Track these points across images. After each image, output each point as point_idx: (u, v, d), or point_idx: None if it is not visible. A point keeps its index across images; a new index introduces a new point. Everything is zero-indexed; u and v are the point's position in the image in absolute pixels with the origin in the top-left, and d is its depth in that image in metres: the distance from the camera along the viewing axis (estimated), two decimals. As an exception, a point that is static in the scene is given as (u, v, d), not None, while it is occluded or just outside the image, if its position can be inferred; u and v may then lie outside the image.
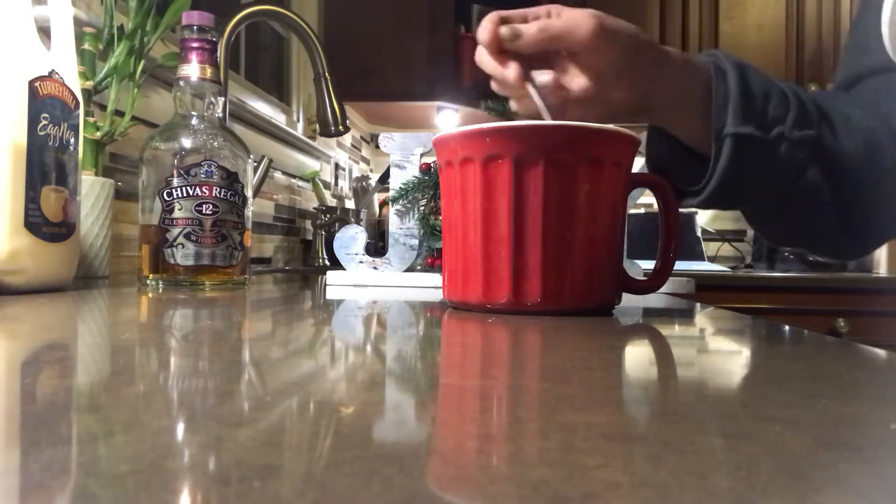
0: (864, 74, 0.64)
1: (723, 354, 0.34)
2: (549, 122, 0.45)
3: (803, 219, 0.58)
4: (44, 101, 0.56)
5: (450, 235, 0.48)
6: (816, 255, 0.66)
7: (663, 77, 0.52)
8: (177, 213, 0.68)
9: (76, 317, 0.44)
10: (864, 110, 0.58)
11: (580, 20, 0.49)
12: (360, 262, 0.79)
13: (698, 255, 2.23)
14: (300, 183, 1.95)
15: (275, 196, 1.74)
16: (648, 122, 0.57)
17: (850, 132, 0.55)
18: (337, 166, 2.27)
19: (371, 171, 2.79)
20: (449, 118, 2.42)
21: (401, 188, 0.78)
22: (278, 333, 0.37)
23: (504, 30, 0.49)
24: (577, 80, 0.50)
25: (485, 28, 0.50)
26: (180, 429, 0.16)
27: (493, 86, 0.53)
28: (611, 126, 0.45)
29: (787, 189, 0.55)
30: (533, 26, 0.49)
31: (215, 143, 0.71)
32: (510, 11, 0.51)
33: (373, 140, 2.77)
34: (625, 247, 0.52)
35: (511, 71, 0.50)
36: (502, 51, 0.50)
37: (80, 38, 0.80)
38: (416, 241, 0.78)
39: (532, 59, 0.51)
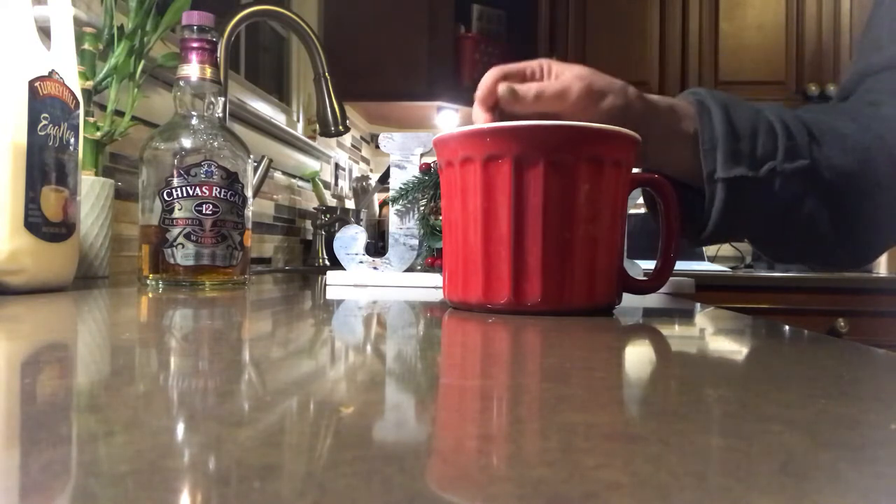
0: (873, 70, 0.63)
1: (723, 354, 0.34)
2: (549, 122, 0.45)
3: (803, 240, 0.58)
4: (44, 101, 0.56)
5: (450, 235, 0.48)
6: (818, 267, 0.67)
7: (650, 128, 0.52)
8: (177, 213, 0.68)
9: (76, 317, 0.44)
10: (859, 125, 0.58)
11: (570, 84, 0.50)
12: (360, 262, 0.78)
13: (698, 255, 2.23)
14: (300, 183, 1.95)
15: (275, 196, 1.74)
16: (636, 166, 0.57)
17: (845, 152, 0.55)
18: (337, 166, 2.27)
19: (371, 171, 2.79)
20: (449, 118, 2.42)
21: (401, 188, 0.78)
22: (278, 333, 0.37)
23: (502, 89, 0.50)
24: None
25: (485, 83, 0.52)
26: (180, 429, 0.16)
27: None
28: (611, 126, 0.45)
29: (786, 218, 0.55)
30: (531, 92, 0.50)
31: (215, 143, 0.71)
32: (510, 67, 0.52)
33: (373, 140, 2.77)
34: (625, 247, 0.52)
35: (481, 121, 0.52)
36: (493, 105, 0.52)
37: (80, 38, 0.80)
38: (416, 241, 0.78)
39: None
